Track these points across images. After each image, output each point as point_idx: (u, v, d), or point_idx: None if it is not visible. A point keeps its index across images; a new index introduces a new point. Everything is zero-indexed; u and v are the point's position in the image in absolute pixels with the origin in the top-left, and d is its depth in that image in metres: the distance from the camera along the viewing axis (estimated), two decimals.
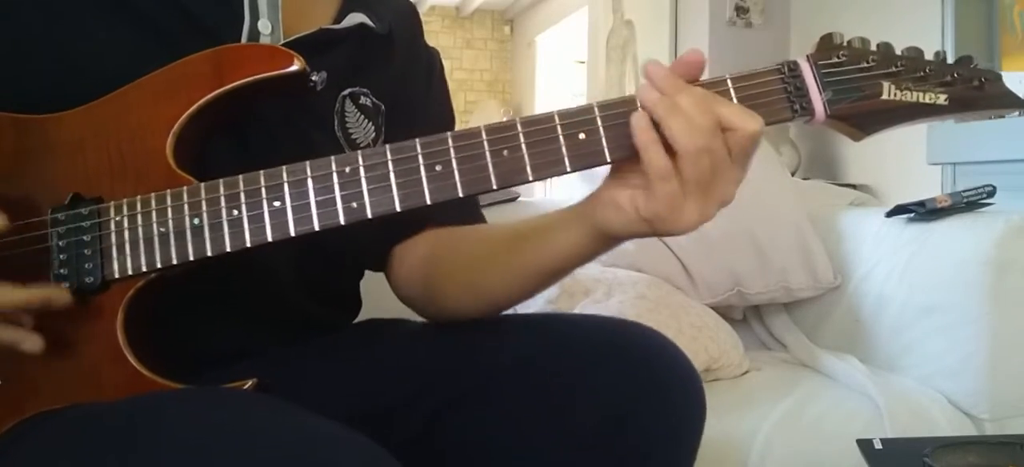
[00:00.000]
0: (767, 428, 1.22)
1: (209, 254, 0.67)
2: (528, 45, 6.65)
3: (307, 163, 0.67)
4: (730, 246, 1.59)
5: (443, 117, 0.95)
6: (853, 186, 2.36)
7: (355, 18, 0.82)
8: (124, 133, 0.70)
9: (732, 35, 3.23)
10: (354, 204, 0.66)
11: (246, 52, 0.74)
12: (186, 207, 0.67)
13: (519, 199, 1.66)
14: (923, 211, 1.46)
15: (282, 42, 0.77)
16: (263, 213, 0.66)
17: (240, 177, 0.67)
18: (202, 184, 0.67)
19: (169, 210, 0.67)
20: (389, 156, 0.66)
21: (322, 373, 0.80)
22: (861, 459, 1.02)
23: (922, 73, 0.68)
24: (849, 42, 0.68)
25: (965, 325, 1.33)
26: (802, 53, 0.69)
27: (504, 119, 0.67)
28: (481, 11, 6.95)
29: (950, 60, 0.69)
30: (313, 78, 0.78)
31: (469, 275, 0.81)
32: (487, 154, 0.65)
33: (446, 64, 0.98)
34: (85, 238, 0.67)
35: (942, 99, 0.68)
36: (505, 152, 0.65)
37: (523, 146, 0.65)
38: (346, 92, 0.83)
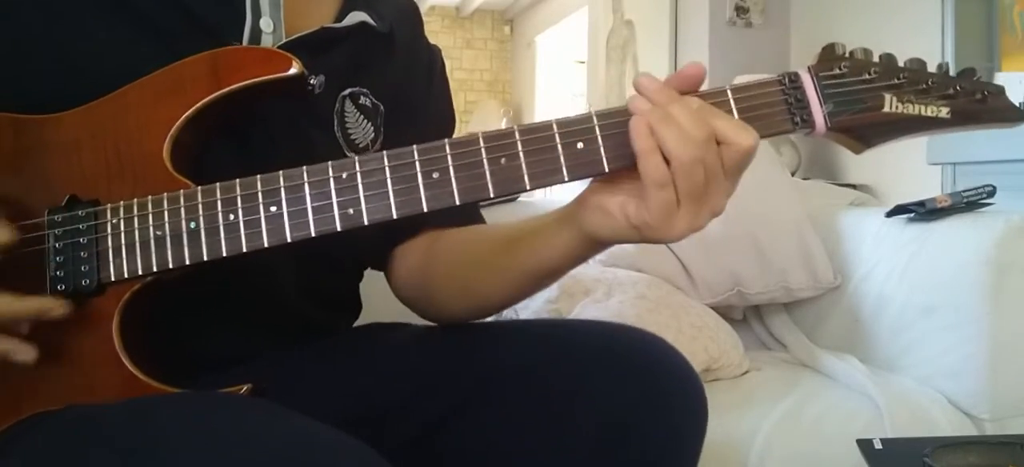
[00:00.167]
0: (767, 428, 1.22)
1: (205, 259, 0.66)
2: (528, 45, 6.65)
3: (304, 169, 0.66)
4: (730, 246, 1.59)
5: (444, 116, 0.95)
6: (853, 186, 2.36)
7: (356, 17, 0.82)
8: (122, 135, 0.70)
9: (732, 35, 3.23)
10: (351, 210, 0.66)
11: (244, 55, 0.73)
12: (182, 211, 0.67)
13: (519, 199, 1.66)
14: (923, 211, 1.45)
15: (283, 41, 0.77)
16: (259, 218, 0.66)
17: (237, 182, 0.67)
18: (199, 188, 0.67)
19: (165, 213, 0.67)
20: (387, 162, 0.66)
21: (318, 377, 0.80)
22: (861, 459, 1.02)
23: (924, 85, 0.67)
24: (851, 53, 0.68)
25: (965, 325, 1.33)
26: (802, 53, 0.69)
27: (504, 119, 0.67)
28: (481, 11, 6.96)
29: (952, 70, 0.69)
30: (311, 81, 0.78)
31: (465, 277, 0.81)
32: (485, 162, 0.65)
33: (446, 64, 0.98)
34: (81, 240, 0.67)
35: (944, 112, 0.67)
36: (503, 160, 0.65)
37: (521, 154, 0.65)
38: (346, 92, 0.82)
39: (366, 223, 0.66)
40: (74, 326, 0.67)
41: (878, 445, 1.03)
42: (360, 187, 0.66)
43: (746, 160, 0.63)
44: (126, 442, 0.56)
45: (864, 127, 0.67)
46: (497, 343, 0.79)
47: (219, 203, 0.67)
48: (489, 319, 0.85)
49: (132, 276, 0.67)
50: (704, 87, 0.66)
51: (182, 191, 0.67)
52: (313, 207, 0.66)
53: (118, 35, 0.72)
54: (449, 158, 0.65)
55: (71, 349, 0.67)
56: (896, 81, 0.67)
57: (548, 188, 0.69)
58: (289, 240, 0.66)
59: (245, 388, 0.66)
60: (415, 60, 0.91)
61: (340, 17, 0.82)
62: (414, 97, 0.89)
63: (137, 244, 0.67)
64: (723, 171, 0.62)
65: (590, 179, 0.68)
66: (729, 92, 0.66)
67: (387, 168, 0.66)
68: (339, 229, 0.66)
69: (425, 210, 0.65)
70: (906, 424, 1.23)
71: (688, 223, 0.63)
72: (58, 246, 0.67)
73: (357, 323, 0.94)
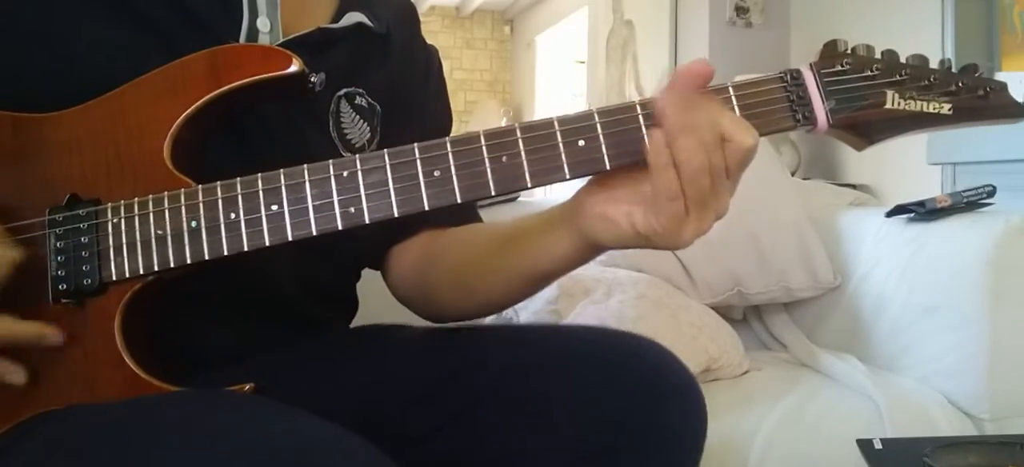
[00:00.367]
0: (767, 428, 1.22)
1: (206, 258, 0.66)
2: (528, 45, 6.65)
3: (305, 167, 0.66)
4: (730, 246, 1.59)
5: (441, 116, 0.95)
6: (853, 186, 2.36)
7: (353, 17, 0.82)
8: (122, 134, 0.70)
9: (732, 35, 3.24)
10: (352, 209, 0.66)
11: (244, 53, 0.73)
12: (183, 210, 0.67)
13: (518, 198, 1.66)
14: (923, 211, 1.45)
15: (280, 41, 0.77)
16: (260, 217, 0.66)
17: (238, 180, 0.67)
18: (200, 187, 0.67)
19: (166, 213, 0.67)
20: (388, 161, 0.66)
21: (318, 375, 0.80)
22: (861, 459, 1.02)
23: (926, 82, 0.67)
24: (853, 49, 0.68)
25: (965, 325, 1.33)
26: (802, 53, 0.69)
27: (504, 120, 0.67)
28: (481, 11, 6.95)
29: (954, 67, 0.68)
30: (312, 80, 0.78)
31: (462, 277, 0.80)
32: (486, 160, 0.65)
33: (446, 64, 0.98)
34: (83, 240, 0.67)
35: (946, 109, 0.67)
36: (504, 158, 0.65)
37: (522, 152, 0.65)
38: (342, 92, 0.82)
39: (367, 221, 0.66)
40: (76, 325, 0.67)
41: (878, 445, 1.03)
42: (361, 185, 0.66)
43: (747, 159, 0.63)
44: (128, 442, 0.56)
45: (866, 124, 0.67)
46: (496, 348, 0.79)
47: (220, 202, 0.67)
48: (488, 319, 0.84)
49: (134, 275, 0.67)
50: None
51: (183, 190, 0.67)
52: (314, 206, 0.66)
53: (115, 34, 0.73)
54: (450, 156, 0.65)
55: (73, 349, 0.67)
56: (898, 77, 0.67)
57: (547, 188, 0.69)
58: (290, 238, 0.66)
59: (248, 387, 0.66)
60: (412, 61, 0.92)
61: (337, 18, 0.82)
62: (411, 97, 0.89)
63: (138, 243, 0.67)
64: (726, 171, 0.62)
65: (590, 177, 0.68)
66: (731, 90, 0.66)
67: (388, 166, 0.66)
68: (341, 228, 0.66)
69: (426, 208, 0.65)
70: (906, 424, 1.23)
71: (696, 229, 0.63)
72: (59, 246, 0.67)
73: (354, 323, 0.94)
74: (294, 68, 0.71)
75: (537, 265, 0.73)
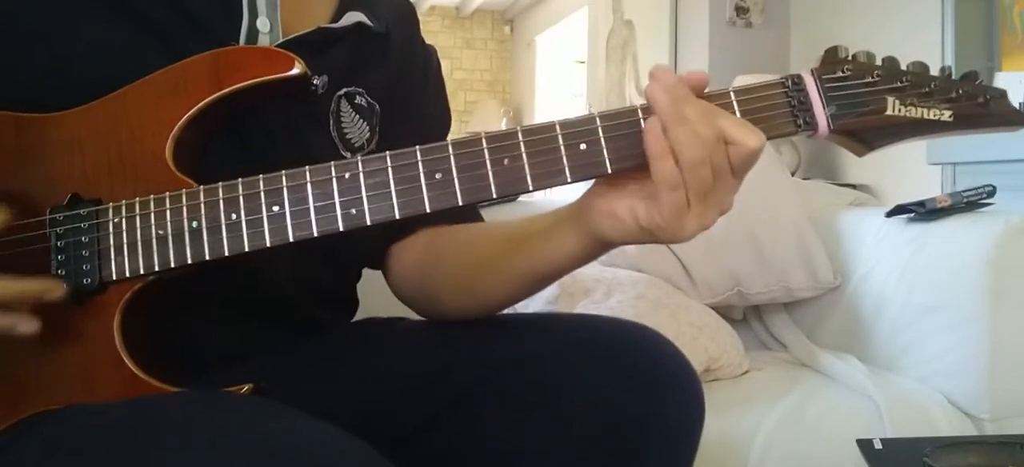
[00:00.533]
0: (767, 428, 1.22)
1: (207, 258, 0.67)
2: (528, 45, 6.65)
3: (307, 169, 0.67)
4: (730, 246, 1.59)
5: (440, 116, 0.95)
6: (853, 186, 2.36)
7: (353, 17, 0.82)
8: (124, 134, 0.70)
9: (732, 35, 3.24)
10: (353, 210, 0.66)
11: (245, 55, 0.74)
12: (185, 210, 0.67)
13: (518, 199, 1.66)
14: (923, 211, 1.45)
15: (280, 41, 0.77)
16: (262, 218, 0.66)
17: (239, 181, 0.67)
18: (201, 187, 0.67)
19: (168, 213, 0.67)
20: (389, 163, 0.66)
21: (317, 374, 0.80)
22: (861, 459, 1.02)
23: (927, 89, 0.67)
24: (854, 56, 0.68)
25: (965, 325, 1.33)
26: (802, 53, 0.69)
27: (504, 120, 0.67)
28: (481, 11, 6.95)
29: (953, 70, 0.69)
30: (314, 82, 0.78)
31: (465, 277, 0.81)
32: (487, 163, 0.65)
33: (446, 64, 0.98)
34: (83, 239, 0.67)
35: (946, 116, 0.67)
36: (505, 161, 0.65)
37: (524, 155, 0.65)
38: (341, 92, 0.83)
39: (369, 223, 0.66)
40: (75, 325, 0.67)
41: (878, 445, 1.03)
42: (363, 187, 0.66)
43: (752, 159, 0.63)
44: (127, 441, 0.56)
45: (866, 130, 0.67)
46: (493, 337, 0.79)
47: (221, 202, 0.67)
48: None
49: (134, 275, 0.67)
50: (706, 90, 0.66)
51: (184, 190, 0.67)
52: (315, 207, 0.66)
53: (115, 34, 0.73)
54: (452, 159, 0.65)
55: (72, 348, 0.67)
56: (899, 84, 0.67)
57: (548, 189, 0.69)
58: (292, 239, 0.66)
59: (246, 387, 0.67)
60: (411, 60, 0.92)
61: (336, 17, 0.82)
62: (410, 97, 0.89)
63: (139, 243, 0.67)
64: (731, 170, 0.63)
65: (592, 180, 0.69)
66: (732, 94, 0.66)
67: (390, 168, 0.66)
68: (342, 229, 0.66)
69: (428, 210, 0.65)
70: (906, 424, 1.23)
71: (698, 222, 0.63)
72: (60, 244, 0.67)
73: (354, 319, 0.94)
74: (297, 71, 0.71)
75: (542, 264, 0.73)
